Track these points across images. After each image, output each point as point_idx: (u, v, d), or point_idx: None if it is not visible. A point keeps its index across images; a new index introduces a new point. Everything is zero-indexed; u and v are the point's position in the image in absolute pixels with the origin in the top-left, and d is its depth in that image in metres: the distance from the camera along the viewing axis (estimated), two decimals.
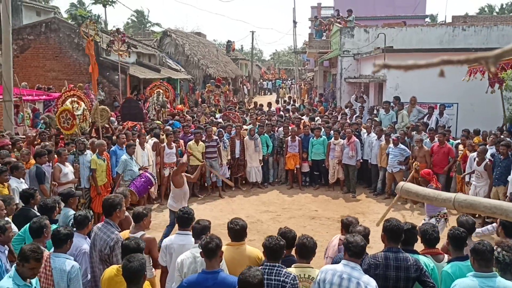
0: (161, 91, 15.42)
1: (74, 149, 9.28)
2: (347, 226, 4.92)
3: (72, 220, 5.65)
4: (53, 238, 4.42)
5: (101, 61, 19.64)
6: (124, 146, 9.90)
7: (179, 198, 7.96)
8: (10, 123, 10.68)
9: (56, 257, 4.32)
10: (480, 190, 9.17)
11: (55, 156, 8.54)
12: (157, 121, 13.76)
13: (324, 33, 24.88)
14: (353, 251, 3.89)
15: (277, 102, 22.58)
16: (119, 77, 17.60)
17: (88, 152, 9.35)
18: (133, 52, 22.86)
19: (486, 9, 56.27)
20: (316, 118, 14.64)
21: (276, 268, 3.91)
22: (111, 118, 13.24)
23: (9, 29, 10.58)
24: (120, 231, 4.78)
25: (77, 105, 10.43)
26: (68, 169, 8.53)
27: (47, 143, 9.20)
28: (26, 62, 19.94)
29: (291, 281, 3.81)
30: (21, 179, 7.29)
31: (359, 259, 3.94)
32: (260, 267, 3.90)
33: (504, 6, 55.44)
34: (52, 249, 4.47)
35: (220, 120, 14.59)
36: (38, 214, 5.97)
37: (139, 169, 9.62)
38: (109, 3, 37.03)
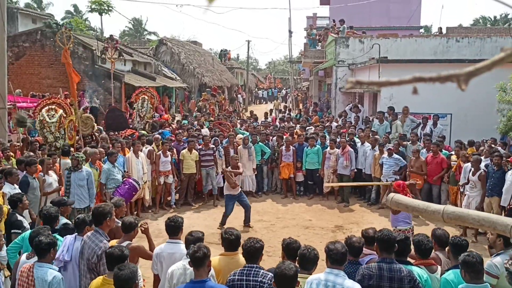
0: (146, 97, 15.16)
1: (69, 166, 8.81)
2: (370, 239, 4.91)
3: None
4: (35, 247, 4.36)
5: (96, 69, 19.67)
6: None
7: (228, 187, 9.71)
8: (4, 131, 10.62)
9: (40, 266, 4.28)
10: (473, 200, 9.18)
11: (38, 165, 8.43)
12: (143, 131, 13.51)
13: (319, 43, 25.03)
14: (334, 258, 3.97)
15: (270, 112, 22.56)
16: (112, 85, 17.54)
17: (84, 169, 8.70)
18: (128, 60, 22.88)
19: (480, 20, 56.75)
20: (308, 128, 14.64)
21: (254, 269, 4.08)
22: (98, 127, 13.09)
23: (4, 36, 10.56)
24: (109, 240, 4.76)
25: (53, 113, 10.29)
26: (52, 178, 8.36)
27: (31, 153, 9.03)
28: (21, 70, 19.89)
29: (268, 281, 3.97)
30: (15, 185, 7.26)
31: (342, 265, 4.00)
32: (239, 269, 4.12)
33: (497, 17, 55.97)
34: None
35: (205, 132, 13.97)
36: (20, 219, 5.99)
37: (123, 176, 9.61)
38: (105, 11, 37.04)
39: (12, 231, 5.88)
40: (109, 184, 9.48)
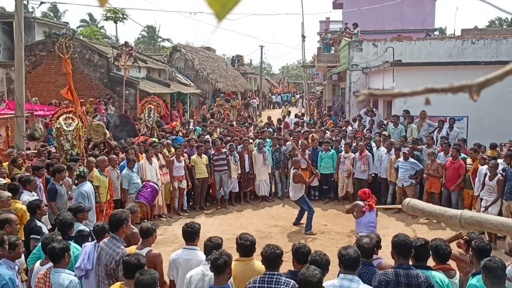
0: (152, 107, 14.99)
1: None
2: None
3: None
4: (49, 254, 4.42)
5: (112, 77, 19.91)
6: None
7: (297, 190, 9.84)
8: (22, 138, 10.80)
9: (56, 272, 4.33)
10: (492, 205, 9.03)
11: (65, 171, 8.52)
12: (153, 138, 13.46)
13: (332, 47, 24.97)
14: (346, 264, 3.94)
15: (283, 118, 22.35)
16: (124, 92, 17.63)
17: (81, 187, 7.96)
18: (143, 67, 23.10)
19: (496, 22, 56.06)
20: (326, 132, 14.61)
21: (275, 276, 3.98)
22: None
23: (21, 45, 10.76)
24: (126, 246, 4.80)
25: (71, 121, 10.36)
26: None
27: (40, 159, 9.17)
28: (38, 78, 20.21)
29: None
30: (33, 192, 7.38)
31: (355, 270, 3.97)
32: (259, 276, 4.02)
33: None
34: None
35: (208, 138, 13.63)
36: (39, 225, 6.07)
37: (142, 181, 9.80)
38: (120, 19, 37.45)
39: (31, 236, 5.96)
40: (130, 189, 9.64)
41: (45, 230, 6.17)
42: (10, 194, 6.44)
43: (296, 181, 9.75)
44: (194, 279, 4.34)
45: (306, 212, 10.05)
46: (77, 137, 10.25)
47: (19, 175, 8.22)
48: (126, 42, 19.19)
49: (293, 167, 10.21)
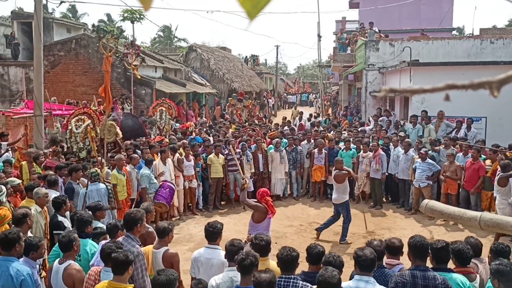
0: (164, 109, 15.05)
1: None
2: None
3: None
4: (101, 253, 4.55)
5: (128, 76, 20.08)
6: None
7: (340, 192, 9.26)
8: (41, 138, 10.95)
9: (106, 271, 4.42)
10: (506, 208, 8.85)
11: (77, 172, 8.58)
12: (167, 139, 13.38)
13: (348, 47, 24.85)
14: (362, 264, 3.90)
15: (293, 120, 22.02)
16: (132, 91, 17.68)
17: (95, 186, 8.14)
18: (159, 67, 23.27)
19: None
20: (342, 132, 14.56)
21: (292, 280, 3.93)
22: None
23: (40, 45, 10.89)
24: (141, 245, 4.83)
25: (81, 123, 10.41)
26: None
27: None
28: (57, 78, 20.51)
29: None
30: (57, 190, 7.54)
31: (371, 272, 3.93)
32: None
33: None
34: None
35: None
36: (60, 219, 6.19)
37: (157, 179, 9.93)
38: (137, 19, 37.75)
39: (54, 232, 6.11)
40: (149, 189, 9.72)
41: (67, 224, 6.28)
42: (47, 192, 6.61)
43: (341, 180, 9.18)
44: (222, 287, 4.28)
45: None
46: (86, 138, 10.31)
47: (36, 174, 8.35)
48: (132, 42, 19.29)
49: (334, 168, 9.49)
